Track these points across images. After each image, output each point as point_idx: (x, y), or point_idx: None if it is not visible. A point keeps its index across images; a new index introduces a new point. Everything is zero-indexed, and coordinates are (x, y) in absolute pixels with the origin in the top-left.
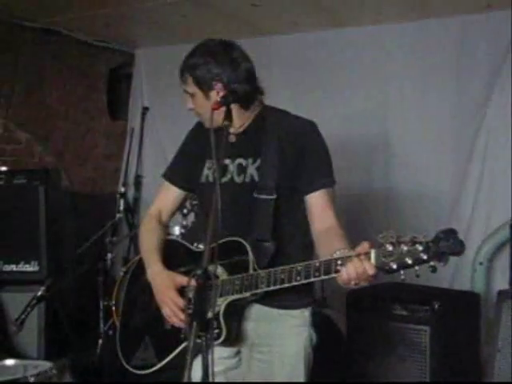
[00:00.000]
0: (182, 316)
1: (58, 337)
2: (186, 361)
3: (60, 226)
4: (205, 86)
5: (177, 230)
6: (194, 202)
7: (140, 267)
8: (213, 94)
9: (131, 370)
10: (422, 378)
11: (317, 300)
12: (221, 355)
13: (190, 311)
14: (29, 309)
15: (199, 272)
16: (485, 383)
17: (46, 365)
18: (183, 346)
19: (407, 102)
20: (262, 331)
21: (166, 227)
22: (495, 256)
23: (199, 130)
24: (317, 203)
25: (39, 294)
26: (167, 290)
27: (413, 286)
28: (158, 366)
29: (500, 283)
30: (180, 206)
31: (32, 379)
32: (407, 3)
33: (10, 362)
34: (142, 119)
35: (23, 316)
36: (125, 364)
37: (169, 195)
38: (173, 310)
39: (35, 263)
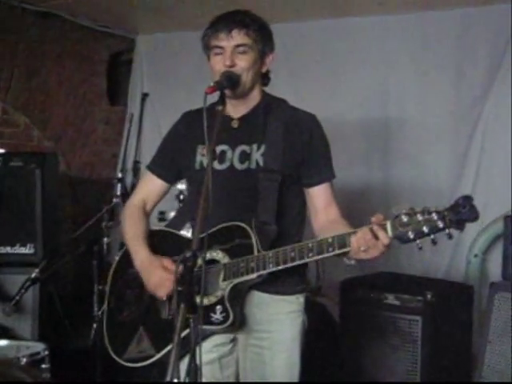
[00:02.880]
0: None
1: (52, 319)
2: (173, 342)
3: (56, 210)
4: (267, 48)
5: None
6: (180, 187)
7: (126, 258)
8: (268, 59)
9: (125, 364)
10: (413, 367)
11: (312, 289)
12: (216, 343)
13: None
14: (23, 290)
15: (188, 255)
16: (480, 383)
17: (38, 346)
18: (184, 333)
19: (407, 93)
20: (259, 317)
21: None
22: (490, 248)
23: (189, 119)
24: (321, 196)
25: (33, 275)
26: (156, 269)
27: (406, 276)
28: (157, 356)
29: (494, 276)
30: (163, 198)
31: (24, 360)
32: None
33: (2, 342)
34: (142, 105)
35: (17, 297)
36: (117, 359)
37: (153, 187)
38: (166, 284)
39: (31, 246)
